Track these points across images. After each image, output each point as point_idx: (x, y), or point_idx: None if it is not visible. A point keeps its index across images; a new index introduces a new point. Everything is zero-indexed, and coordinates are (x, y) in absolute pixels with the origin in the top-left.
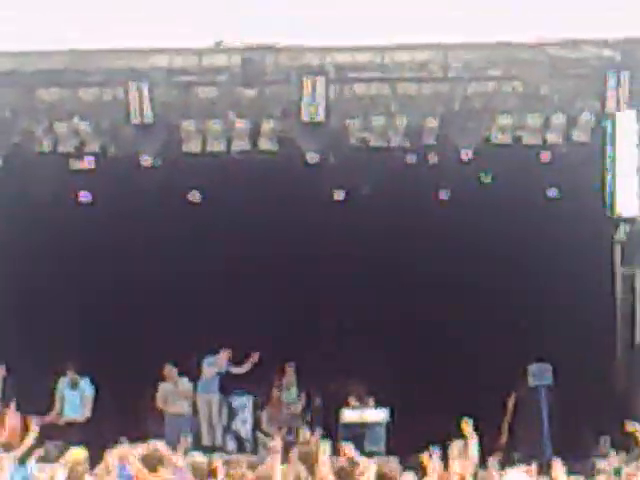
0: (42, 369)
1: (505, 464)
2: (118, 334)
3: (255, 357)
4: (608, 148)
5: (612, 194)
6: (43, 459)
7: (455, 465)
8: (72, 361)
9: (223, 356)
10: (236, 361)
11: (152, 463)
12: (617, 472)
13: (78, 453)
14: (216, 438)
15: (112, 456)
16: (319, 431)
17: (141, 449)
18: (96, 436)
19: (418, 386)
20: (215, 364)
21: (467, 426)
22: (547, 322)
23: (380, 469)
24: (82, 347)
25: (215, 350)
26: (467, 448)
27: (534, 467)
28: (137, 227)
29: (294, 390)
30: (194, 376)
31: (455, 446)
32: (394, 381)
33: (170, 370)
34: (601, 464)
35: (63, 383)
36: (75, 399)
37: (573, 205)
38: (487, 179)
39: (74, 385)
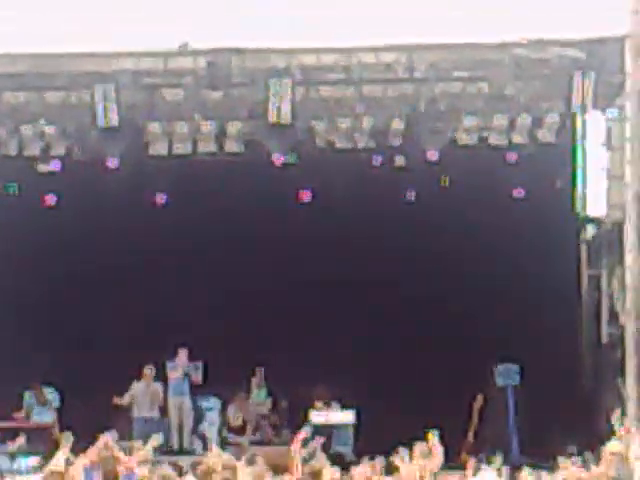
0: (7, 375)
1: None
2: (85, 335)
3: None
4: (575, 148)
5: (579, 194)
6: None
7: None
8: (35, 372)
9: (181, 356)
10: (205, 362)
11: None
12: None
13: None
14: (184, 440)
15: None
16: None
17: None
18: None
19: (385, 387)
20: (176, 366)
21: (432, 438)
22: (514, 322)
23: None
24: (49, 350)
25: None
26: (431, 454)
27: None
28: (103, 229)
29: (264, 392)
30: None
31: (418, 448)
32: (362, 383)
33: (150, 371)
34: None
35: (28, 398)
36: (42, 411)
37: (539, 205)
38: (445, 182)
39: (39, 399)
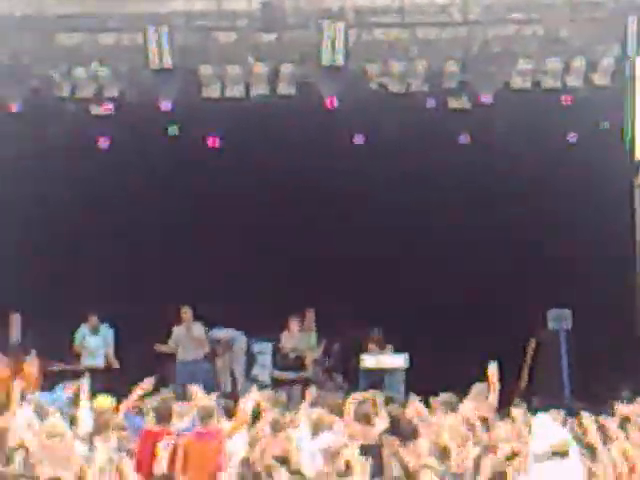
0: (62, 317)
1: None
2: (136, 281)
3: None
4: (628, 92)
5: (632, 138)
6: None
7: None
8: (91, 309)
9: None
10: (257, 307)
11: (164, 414)
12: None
13: (104, 400)
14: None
15: (121, 407)
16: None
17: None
18: (116, 383)
19: (437, 332)
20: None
21: (492, 371)
22: (567, 267)
23: None
24: (100, 294)
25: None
26: (488, 392)
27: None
28: (156, 172)
29: (314, 335)
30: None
31: (475, 388)
32: (413, 327)
33: (185, 312)
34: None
35: (84, 330)
36: (96, 345)
37: (593, 149)
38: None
39: (94, 331)
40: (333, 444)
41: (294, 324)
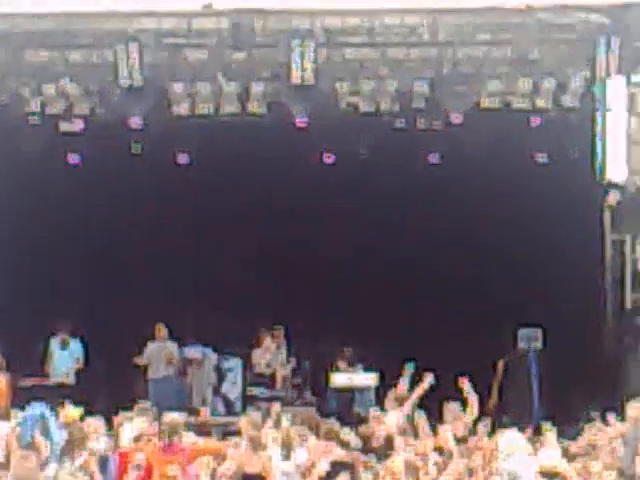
0: (32, 330)
1: (495, 428)
2: (107, 295)
3: None
4: (598, 114)
5: (602, 160)
6: None
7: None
8: (62, 322)
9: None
10: (227, 323)
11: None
12: None
13: (73, 411)
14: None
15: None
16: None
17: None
18: (84, 398)
19: (407, 350)
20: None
21: (465, 385)
22: (537, 287)
23: None
24: (72, 309)
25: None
26: (467, 407)
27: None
28: (125, 189)
29: (283, 352)
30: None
31: (448, 409)
32: (382, 345)
33: (160, 329)
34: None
35: (54, 343)
36: (65, 359)
37: (563, 170)
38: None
39: (64, 345)
40: (307, 461)
41: (267, 340)
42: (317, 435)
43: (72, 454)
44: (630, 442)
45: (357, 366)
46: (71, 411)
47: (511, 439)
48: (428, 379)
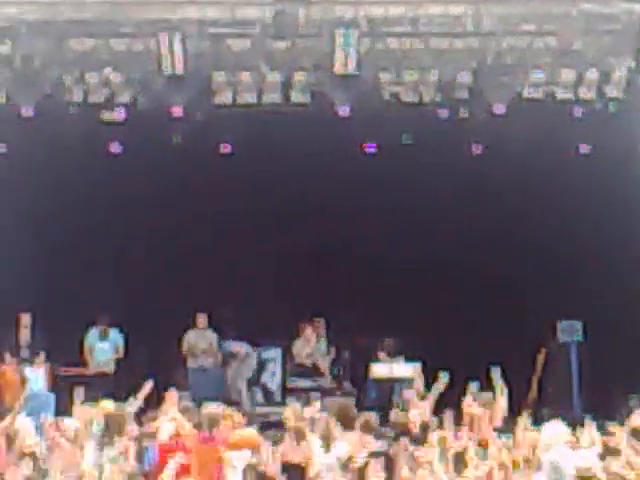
0: (73, 320)
1: (535, 421)
2: (149, 285)
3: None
4: None
5: None
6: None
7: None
8: (102, 312)
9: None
10: (267, 314)
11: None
12: None
13: (108, 403)
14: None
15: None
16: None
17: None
18: (124, 388)
19: (448, 341)
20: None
21: (494, 374)
22: (578, 278)
23: None
24: (113, 298)
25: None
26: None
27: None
28: (167, 179)
29: (323, 343)
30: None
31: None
32: (424, 336)
33: (199, 317)
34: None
35: (93, 334)
36: (105, 350)
37: (606, 162)
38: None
39: (104, 335)
40: (346, 453)
41: (308, 331)
42: (351, 427)
43: (110, 441)
44: None
45: (398, 357)
46: (106, 403)
47: (554, 430)
48: (443, 379)
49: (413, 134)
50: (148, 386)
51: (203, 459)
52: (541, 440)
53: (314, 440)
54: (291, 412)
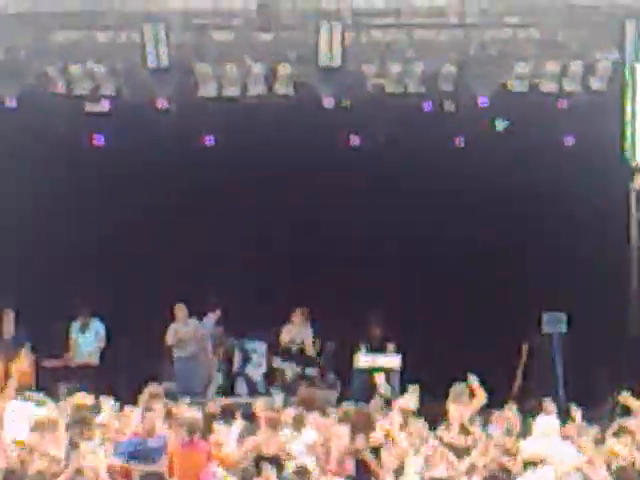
0: (56, 313)
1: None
2: (131, 277)
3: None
4: (626, 97)
5: (629, 143)
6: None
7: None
8: (85, 305)
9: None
10: (250, 303)
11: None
12: None
13: (82, 398)
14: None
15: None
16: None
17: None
18: (108, 379)
19: (433, 332)
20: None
21: (473, 381)
22: (561, 270)
23: None
24: (96, 290)
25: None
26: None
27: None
28: (151, 170)
29: (309, 332)
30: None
31: (454, 389)
32: (408, 328)
33: (179, 309)
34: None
35: (75, 327)
36: (87, 341)
37: (590, 153)
38: (501, 126)
39: (85, 328)
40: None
41: (297, 317)
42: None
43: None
44: None
45: (390, 347)
46: (80, 398)
47: (545, 423)
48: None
49: (398, 126)
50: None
51: (185, 464)
52: (533, 431)
53: (286, 431)
54: (261, 404)
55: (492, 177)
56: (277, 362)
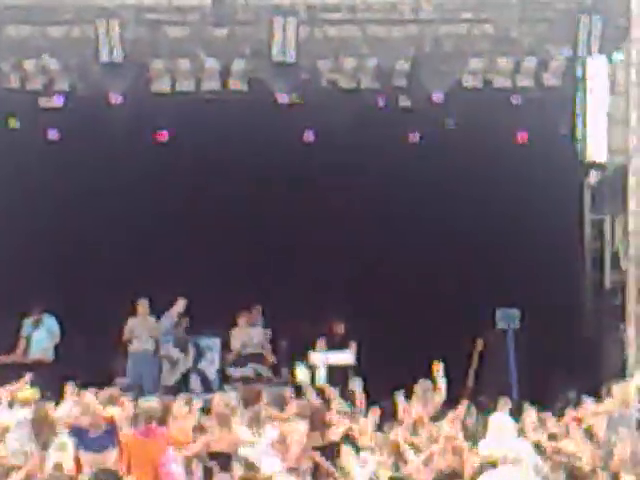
0: (7, 310)
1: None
2: (84, 273)
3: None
4: (579, 93)
5: (582, 139)
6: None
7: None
8: (37, 301)
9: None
10: (203, 302)
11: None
12: None
13: (31, 393)
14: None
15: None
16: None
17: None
18: (62, 375)
19: (386, 329)
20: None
21: (437, 368)
22: (516, 267)
23: None
24: (48, 286)
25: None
26: (434, 390)
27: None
28: (105, 165)
29: (260, 332)
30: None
31: (419, 386)
32: (362, 325)
33: (141, 304)
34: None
35: (27, 324)
36: (40, 338)
37: (543, 149)
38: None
39: (38, 324)
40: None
41: (243, 320)
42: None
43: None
44: (614, 421)
45: (351, 344)
46: (28, 392)
47: (500, 421)
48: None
49: (352, 121)
50: None
51: (140, 453)
52: (488, 430)
53: (240, 428)
54: (218, 400)
55: (446, 172)
56: (229, 371)
